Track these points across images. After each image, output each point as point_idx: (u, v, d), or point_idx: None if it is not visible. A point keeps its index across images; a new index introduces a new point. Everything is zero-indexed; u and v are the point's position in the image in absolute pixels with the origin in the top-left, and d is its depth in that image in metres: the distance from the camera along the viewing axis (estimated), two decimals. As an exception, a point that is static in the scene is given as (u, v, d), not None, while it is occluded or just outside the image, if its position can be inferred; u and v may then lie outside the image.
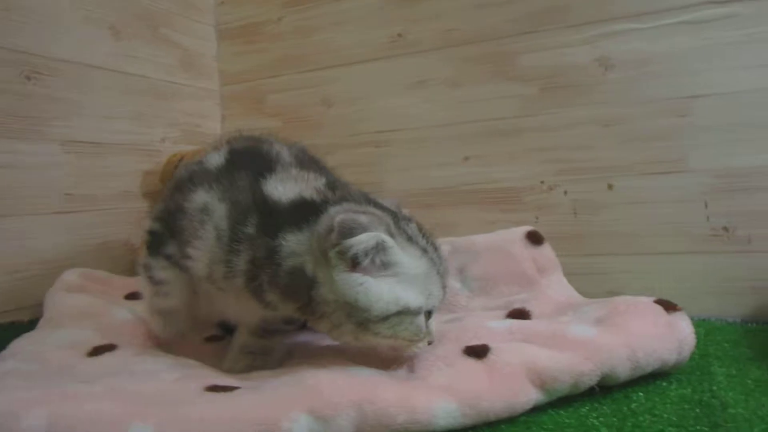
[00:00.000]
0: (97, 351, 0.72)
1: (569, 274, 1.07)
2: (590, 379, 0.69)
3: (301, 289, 0.64)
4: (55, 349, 0.73)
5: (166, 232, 0.74)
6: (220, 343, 0.90)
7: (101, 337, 0.77)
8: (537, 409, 0.67)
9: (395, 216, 0.68)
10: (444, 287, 0.69)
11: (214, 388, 0.61)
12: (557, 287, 0.99)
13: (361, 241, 0.60)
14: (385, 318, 0.63)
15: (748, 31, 1.01)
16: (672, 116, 1.07)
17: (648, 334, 0.74)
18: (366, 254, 0.61)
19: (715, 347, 0.86)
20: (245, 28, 1.50)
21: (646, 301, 0.81)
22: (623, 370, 0.70)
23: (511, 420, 0.65)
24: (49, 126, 1.09)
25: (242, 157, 0.75)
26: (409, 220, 0.71)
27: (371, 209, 0.66)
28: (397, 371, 0.69)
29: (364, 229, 0.61)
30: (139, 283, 1.04)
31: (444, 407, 0.61)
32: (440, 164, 1.27)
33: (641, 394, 0.71)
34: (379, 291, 0.62)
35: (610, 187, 1.11)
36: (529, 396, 0.66)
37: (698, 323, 0.85)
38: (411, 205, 1.31)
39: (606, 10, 1.11)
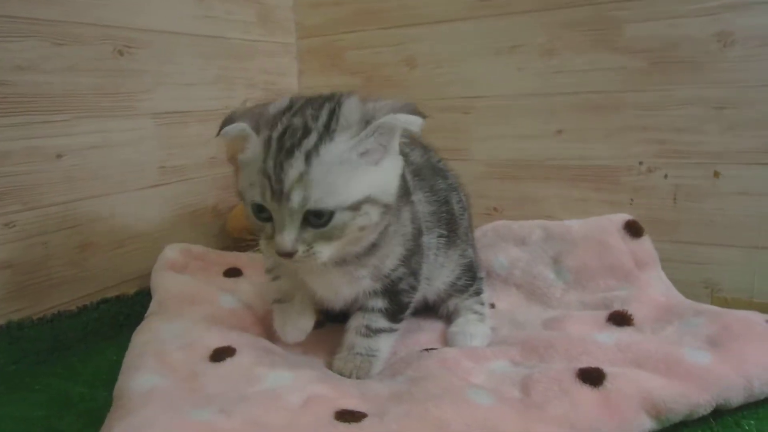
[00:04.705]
0: (218, 355, 0.74)
1: (662, 260, 1.03)
2: (705, 410, 0.68)
3: None
4: (177, 349, 0.75)
5: None
6: (322, 329, 0.91)
7: (217, 335, 0.78)
8: (647, 435, 0.67)
9: (284, 111, 0.66)
10: (271, 191, 0.62)
11: (343, 416, 0.62)
12: (656, 284, 0.96)
13: (226, 131, 0.67)
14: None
15: None
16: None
17: (765, 363, 0.71)
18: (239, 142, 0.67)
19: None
20: (322, -24, 1.38)
21: (761, 322, 0.78)
22: (737, 399, 0.69)
23: (622, 447, 0.65)
24: (140, 100, 1.06)
25: None
26: (295, 114, 0.65)
27: (267, 107, 0.68)
28: (511, 392, 0.68)
29: (231, 120, 0.67)
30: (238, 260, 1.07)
31: (565, 441, 0.61)
32: (530, 136, 1.19)
33: (752, 422, 0.69)
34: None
35: (716, 174, 1.02)
36: (644, 426, 0.65)
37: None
38: (496, 176, 1.26)
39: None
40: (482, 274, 0.96)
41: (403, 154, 0.83)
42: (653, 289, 0.95)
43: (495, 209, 1.26)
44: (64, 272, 0.95)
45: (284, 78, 1.41)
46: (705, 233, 1.05)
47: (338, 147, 0.63)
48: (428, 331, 0.91)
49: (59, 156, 0.93)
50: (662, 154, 1.07)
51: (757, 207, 1.00)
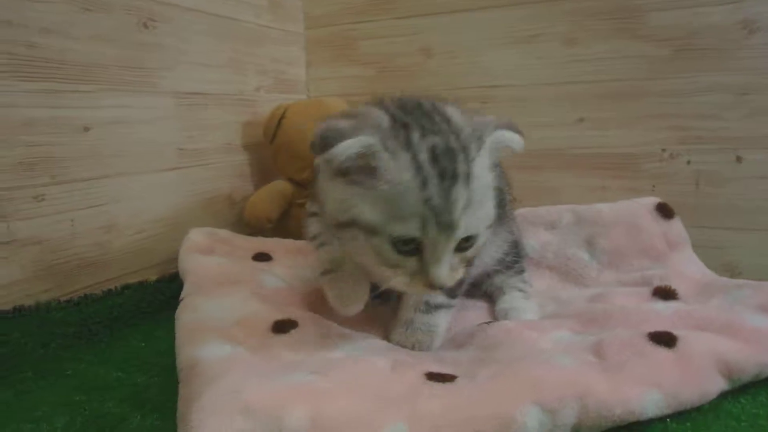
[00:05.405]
0: (280, 327, 0.71)
1: (684, 245, 1.06)
2: (771, 370, 0.69)
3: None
4: (233, 324, 0.71)
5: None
6: (363, 312, 0.88)
7: (273, 310, 0.75)
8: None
9: (413, 118, 0.60)
10: (437, 222, 0.56)
11: (435, 377, 0.60)
12: (689, 264, 0.99)
13: (340, 151, 0.55)
14: (341, 225, 0.60)
15: None
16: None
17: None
18: (348, 161, 0.56)
19: None
20: (333, -35, 1.39)
21: (804, 290, 0.81)
22: (800, 360, 0.71)
23: (698, 408, 0.65)
24: (162, 77, 1.03)
25: None
26: (434, 131, 0.58)
27: (365, 110, 0.61)
28: (585, 357, 0.68)
29: (342, 136, 0.56)
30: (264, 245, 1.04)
31: (653, 399, 0.62)
32: (550, 125, 1.22)
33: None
34: (337, 194, 0.59)
35: (738, 159, 1.07)
36: (719, 386, 0.67)
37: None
38: (514, 166, 1.27)
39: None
40: (525, 253, 0.96)
41: None
42: (687, 269, 0.97)
43: (513, 199, 1.27)
44: (89, 253, 0.91)
45: (292, 68, 1.40)
46: (726, 218, 1.10)
47: (480, 165, 0.59)
48: (473, 309, 0.90)
49: (86, 129, 0.89)
50: (685, 140, 1.11)
51: (778, 191, 1.06)
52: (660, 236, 1.01)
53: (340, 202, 0.59)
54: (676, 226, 1.02)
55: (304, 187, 1.21)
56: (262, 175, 1.28)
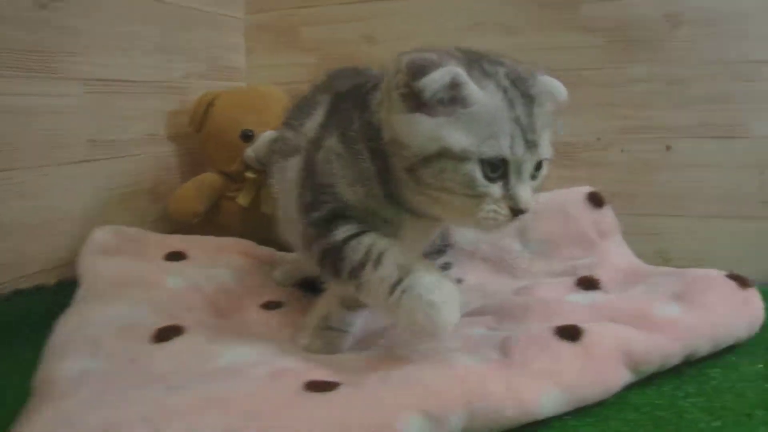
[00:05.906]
0: (162, 335, 0.66)
1: (619, 233, 1.05)
2: (676, 360, 0.69)
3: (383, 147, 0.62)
4: (113, 333, 0.66)
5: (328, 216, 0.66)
6: (280, 311, 0.84)
7: (161, 315, 0.71)
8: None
9: (476, 55, 0.62)
10: (524, 140, 0.58)
11: (313, 386, 0.57)
12: (617, 251, 0.98)
13: (435, 79, 0.56)
14: (427, 160, 0.57)
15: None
16: (737, 80, 1.03)
17: (727, 313, 0.74)
18: (440, 90, 0.56)
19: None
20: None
21: (719, 277, 0.80)
22: (704, 348, 0.71)
23: (601, 402, 0.63)
24: (70, 62, 0.96)
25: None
26: (500, 63, 0.62)
27: (440, 48, 0.62)
28: (490, 354, 0.65)
29: (435, 65, 0.56)
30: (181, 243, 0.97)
31: (550, 396, 0.60)
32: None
33: (718, 370, 0.70)
34: (421, 127, 0.58)
35: (668, 148, 1.07)
36: (623, 378, 0.65)
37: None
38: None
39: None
40: (451, 241, 0.94)
41: None
42: (615, 257, 0.96)
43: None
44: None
45: (230, 54, 1.34)
46: (658, 205, 1.10)
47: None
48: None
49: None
50: (618, 129, 1.11)
51: (706, 178, 1.06)
52: (591, 225, 1.00)
53: (427, 134, 0.57)
54: (607, 214, 1.01)
55: (234, 179, 1.16)
56: (192, 167, 1.23)
